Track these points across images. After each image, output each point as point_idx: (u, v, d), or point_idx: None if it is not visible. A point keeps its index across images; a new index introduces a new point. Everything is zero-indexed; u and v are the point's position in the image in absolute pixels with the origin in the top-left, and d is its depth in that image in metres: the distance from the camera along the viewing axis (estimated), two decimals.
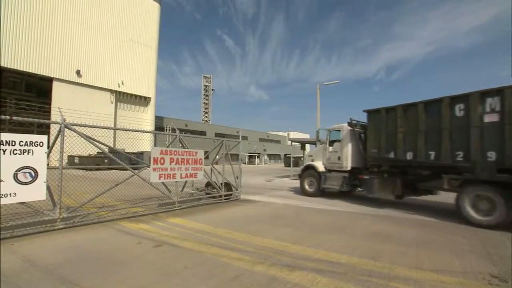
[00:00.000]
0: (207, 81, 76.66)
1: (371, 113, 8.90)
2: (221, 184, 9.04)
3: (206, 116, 75.29)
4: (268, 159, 68.07)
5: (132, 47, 36.19)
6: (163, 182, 7.16)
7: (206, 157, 8.35)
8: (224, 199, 9.00)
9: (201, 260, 3.80)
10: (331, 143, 10.35)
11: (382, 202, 9.55)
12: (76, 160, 23.67)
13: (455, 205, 6.65)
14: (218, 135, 50.50)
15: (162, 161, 6.84)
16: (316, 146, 13.92)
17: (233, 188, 9.51)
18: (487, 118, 6.22)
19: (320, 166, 10.54)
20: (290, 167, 26.09)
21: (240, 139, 10.29)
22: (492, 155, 6.09)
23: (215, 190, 9.00)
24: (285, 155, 58.61)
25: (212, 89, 77.06)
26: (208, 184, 9.39)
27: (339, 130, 10.03)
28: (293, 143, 31.81)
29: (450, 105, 6.83)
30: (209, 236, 5.01)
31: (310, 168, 10.88)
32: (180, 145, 7.87)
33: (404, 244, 4.72)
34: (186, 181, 8.41)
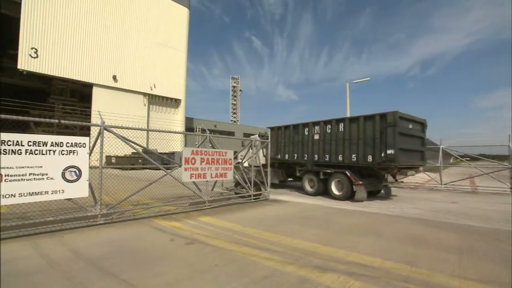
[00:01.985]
0: (235, 82, 77.56)
1: (271, 129, 12.94)
2: (250, 184, 9.12)
3: (234, 117, 76.21)
4: None
5: (163, 52, 37.62)
6: (194, 182, 7.38)
7: (235, 157, 8.46)
8: (253, 199, 9.07)
9: (231, 259, 3.87)
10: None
11: (420, 206, 9.09)
12: (113, 160, 25.08)
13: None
14: (246, 135, 50.88)
15: (193, 161, 7.06)
16: None
17: (262, 188, 9.55)
18: (315, 137, 10.87)
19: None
20: None
21: (269, 139, 10.31)
22: (315, 156, 10.77)
23: (244, 190, 9.10)
24: None
25: (240, 90, 77.81)
26: (237, 184, 9.52)
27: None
28: None
29: (302, 127, 11.42)
30: (238, 235, 5.08)
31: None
32: (210, 145, 8.06)
33: (444, 250, 4.45)
34: (216, 181, 8.59)
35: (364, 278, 3.29)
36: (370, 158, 8.90)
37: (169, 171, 7.07)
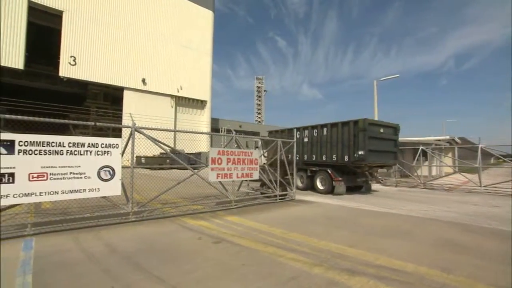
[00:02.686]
0: (259, 83, 77.85)
1: (269, 133, 14.12)
2: (276, 184, 9.11)
3: (259, 117, 76.47)
4: None
5: (189, 54, 38.62)
6: (220, 181, 7.51)
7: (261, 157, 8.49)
8: (279, 199, 9.05)
9: (258, 258, 3.89)
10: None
11: (456, 209, 8.59)
12: (143, 160, 26.12)
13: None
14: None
15: (219, 161, 7.19)
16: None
17: (288, 188, 9.51)
18: (305, 139, 12.05)
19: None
20: None
21: (295, 139, 10.24)
22: (305, 156, 11.93)
23: (270, 190, 9.11)
24: None
25: (265, 90, 77.96)
26: (263, 184, 9.55)
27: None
28: None
29: (296, 131, 12.34)
30: (265, 235, 5.10)
31: None
32: (236, 145, 8.16)
33: (483, 257, 4.16)
34: (242, 181, 8.68)
35: (395, 283, 3.18)
36: (346, 158, 10.22)
37: (196, 171, 7.24)
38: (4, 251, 4.02)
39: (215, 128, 41.95)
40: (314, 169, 11.64)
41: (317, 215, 7.05)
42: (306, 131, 12.14)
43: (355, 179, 11.36)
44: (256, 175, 8.22)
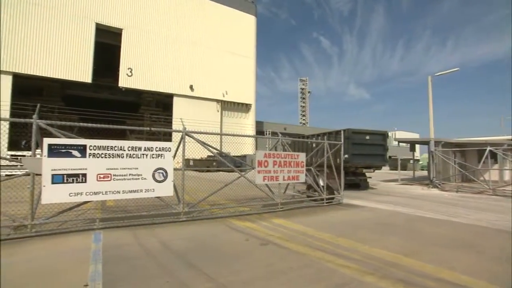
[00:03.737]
0: (303, 84, 76.99)
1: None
2: (323, 187, 8.88)
3: (303, 119, 75.57)
4: None
5: (233, 60, 39.79)
6: (266, 184, 7.57)
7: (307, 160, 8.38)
8: (326, 203, 8.81)
9: (305, 262, 3.82)
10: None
11: None
12: (191, 163, 27.51)
13: None
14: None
15: (266, 164, 7.25)
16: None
17: (335, 191, 9.22)
18: (313, 145, 12.95)
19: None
20: (396, 170, 23.41)
21: (342, 140, 9.90)
22: (313, 159, 10.65)
23: (316, 193, 8.92)
24: (389, 156, 53.00)
25: (309, 92, 76.83)
26: (309, 187, 9.40)
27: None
28: (400, 143, 28.46)
29: (306, 138, 14.35)
30: (312, 239, 5.00)
31: None
32: (281, 148, 8.16)
33: None
34: (288, 183, 8.64)
35: None
36: (338, 160, 10.70)
37: (243, 173, 7.40)
38: (78, 241, 4.58)
39: (259, 131, 42.48)
40: (318, 169, 11.92)
41: (368, 220, 6.70)
42: (314, 138, 14.12)
43: (352, 177, 13.43)
44: (302, 178, 8.11)
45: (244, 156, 22.29)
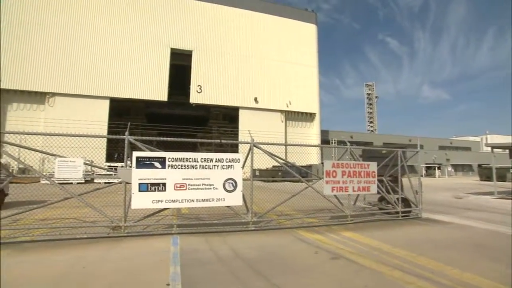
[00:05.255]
0: (369, 89, 72.76)
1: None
2: (397, 199, 8.12)
3: (371, 126, 71.03)
4: (453, 170, 55.05)
5: (295, 69, 39.98)
6: (335, 195, 7.28)
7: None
8: (402, 217, 8.00)
9: (382, 282, 3.52)
10: None
11: None
12: (257, 173, 28.21)
13: None
14: (386, 145, 46.18)
15: (334, 174, 7.00)
16: None
17: (412, 204, 8.33)
18: None
19: None
20: (491, 181, 19.93)
21: (419, 147, 8.97)
22: None
23: (390, 205, 8.20)
24: (479, 165, 45.59)
25: (376, 97, 72.14)
26: (381, 199, 8.70)
27: None
28: (494, 149, 24.18)
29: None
30: (387, 256, 4.58)
31: None
32: (347, 157, 7.79)
33: None
34: (358, 195, 8.18)
35: None
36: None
37: (310, 183, 7.27)
38: (159, 244, 5.08)
39: (325, 140, 41.40)
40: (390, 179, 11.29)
41: (456, 239, 5.85)
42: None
43: None
44: (373, 189, 7.57)
45: (309, 166, 21.86)
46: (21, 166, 6.42)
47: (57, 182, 5.62)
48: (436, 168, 49.77)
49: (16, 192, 7.58)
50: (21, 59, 28.83)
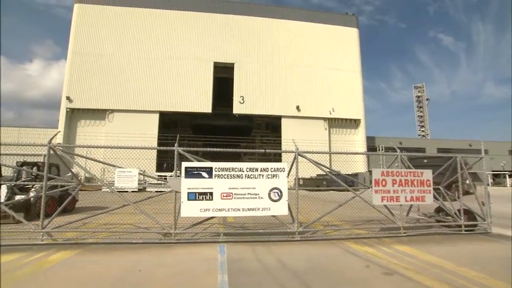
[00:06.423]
0: (419, 91, 67.81)
1: None
2: (458, 211, 7.34)
3: (422, 130, 65.81)
4: None
5: (338, 75, 38.96)
6: (385, 205, 6.85)
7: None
8: (466, 231, 7.19)
9: None
10: None
11: None
12: (301, 182, 27.69)
13: None
14: (441, 150, 42.32)
15: (383, 182, 6.60)
16: None
17: (477, 217, 7.46)
18: None
19: None
20: None
21: (483, 153, 8.07)
22: None
23: (449, 217, 7.43)
24: None
25: (427, 99, 66.89)
26: (439, 210, 7.93)
27: None
28: None
29: None
30: (451, 275, 4.14)
31: None
32: (397, 164, 7.29)
33: None
34: (411, 205, 7.59)
35: None
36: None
37: (358, 192, 6.94)
38: (207, 251, 5.24)
39: (371, 147, 39.32)
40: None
41: None
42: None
43: None
44: (429, 199, 6.95)
45: (355, 175, 20.89)
46: (87, 175, 7.16)
47: (116, 190, 6.17)
48: (507, 176, 43.86)
49: (83, 198, 8.49)
50: (86, 83, 32.88)
